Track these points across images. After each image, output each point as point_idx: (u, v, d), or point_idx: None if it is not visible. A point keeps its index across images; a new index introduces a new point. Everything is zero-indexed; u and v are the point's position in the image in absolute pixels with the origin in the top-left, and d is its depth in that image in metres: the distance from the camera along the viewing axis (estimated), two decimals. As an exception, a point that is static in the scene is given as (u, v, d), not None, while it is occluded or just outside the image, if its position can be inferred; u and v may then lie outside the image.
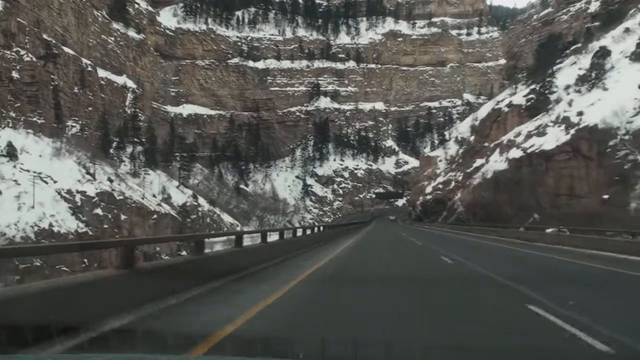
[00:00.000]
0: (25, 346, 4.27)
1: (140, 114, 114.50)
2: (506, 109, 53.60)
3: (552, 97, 45.49)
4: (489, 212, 40.02)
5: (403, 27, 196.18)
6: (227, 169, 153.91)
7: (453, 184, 58.32)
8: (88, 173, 62.80)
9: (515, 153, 40.95)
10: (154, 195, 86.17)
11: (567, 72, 47.13)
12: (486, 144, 54.22)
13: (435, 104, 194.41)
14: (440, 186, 75.71)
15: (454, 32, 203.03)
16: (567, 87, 44.67)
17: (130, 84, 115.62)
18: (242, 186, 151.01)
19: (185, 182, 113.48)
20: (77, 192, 58.86)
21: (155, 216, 71.02)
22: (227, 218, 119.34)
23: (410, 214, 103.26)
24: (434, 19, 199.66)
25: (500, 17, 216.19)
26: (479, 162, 53.76)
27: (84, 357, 3.24)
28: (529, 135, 41.19)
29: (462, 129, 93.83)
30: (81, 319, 5.50)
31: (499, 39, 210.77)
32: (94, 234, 57.50)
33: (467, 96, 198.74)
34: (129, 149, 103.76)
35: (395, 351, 4.95)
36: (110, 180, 64.93)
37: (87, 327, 5.34)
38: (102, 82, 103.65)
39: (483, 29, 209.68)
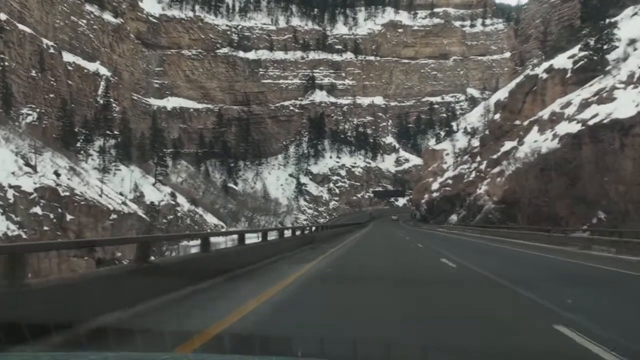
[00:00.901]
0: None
1: (114, 105, 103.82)
2: (545, 75, 42.29)
3: (610, 56, 35.11)
4: (537, 209, 29.55)
5: (404, 17, 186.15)
6: (214, 166, 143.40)
7: (473, 175, 47.52)
8: (28, 164, 52.05)
9: (568, 128, 30.43)
10: (120, 193, 75.46)
11: (629, 24, 36.83)
12: (517, 122, 43.50)
13: (438, 99, 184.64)
14: (450, 181, 65.22)
15: (457, 24, 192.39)
16: (633, 41, 34.26)
17: (104, 71, 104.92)
18: (230, 185, 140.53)
19: (163, 179, 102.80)
20: (10, 186, 48.21)
21: (114, 216, 60.27)
22: (211, 219, 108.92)
23: (413, 214, 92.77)
24: (436, 10, 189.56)
25: (505, 10, 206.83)
26: (508, 145, 43.10)
27: (81, 355, 3.17)
28: (584, 104, 30.68)
29: (472, 119, 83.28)
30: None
31: (504, 31, 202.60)
32: (29, 237, 46.93)
33: (471, 91, 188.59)
34: (100, 142, 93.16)
35: (395, 351, 4.92)
36: (57, 174, 54.14)
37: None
38: (70, 68, 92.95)
39: (488, 21, 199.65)
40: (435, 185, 72.65)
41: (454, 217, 58.74)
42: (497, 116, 48.48)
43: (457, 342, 5.54)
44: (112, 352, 3.39)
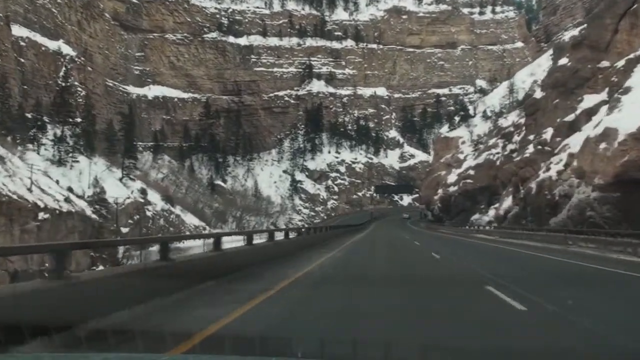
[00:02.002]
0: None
1: (79, 89, 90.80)
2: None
3: None
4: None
5: (408, 3, 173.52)
6: (201, 162, 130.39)
7: (530, 151, 33.68)
8: None
9: None
10: (69, 189, 62.37)
11: None
12: (605, 63, 29.91)
13: (445, 90, 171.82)
14: (471, 172, 52.33)
15: (465, 10, 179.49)
16: None
17: (68, 50, 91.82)
18: (218, 182, 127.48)
19: (138, 174, 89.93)
20: None
21: (45, 216, 47.17)
22: (191, 219, 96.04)
23: (423, 214, 79.69)
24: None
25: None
26: (590, 100, 29.86)
27: (81, 356, 3.22)
28: None
29: (492, 101, 70.14)
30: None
31: (515, 19, 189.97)
32: None
33: (480, 82, 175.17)
34: (59, 130, 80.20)
35: (394, 351, 4.90)
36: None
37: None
38: (22, 43, 79.92)
39: (498, 8, 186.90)
40: (451, 178, 59.74)
41: (483, 218, 45.46)
42: (564, 61, 35.07)
43: None
44: (113, 352, 3.81)
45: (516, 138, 43.50)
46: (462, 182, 54.61)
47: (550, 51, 63.83)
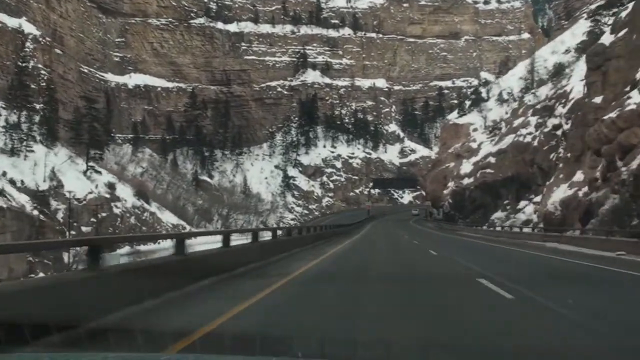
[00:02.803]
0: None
1: (43, 72, 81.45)
2: None
3: None
4: None
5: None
6: (186, 155, 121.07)
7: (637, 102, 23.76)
8: None
9: None
10: (11, 181, 53.00)
11: None
12: None
13: (448, 83, 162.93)
14: (492, 160, 43.05)
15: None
16: None
17: (31, 29, 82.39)
18: (204, 178, 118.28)
19: (102, 166, 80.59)
20: None
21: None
22: (169, 217, 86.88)
23: (428, 212, 70.31)
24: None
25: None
26: None
27: (81, 356, 3.22)
28: None
29: (509, 83, 60.87)
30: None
31: (522, 9, 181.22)
32: None
33: (485, 75, 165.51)
34: (15, 117, 70.82)
35: (394, 352, 4.92)
36: None
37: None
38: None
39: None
40: (465, 168, 50.33)
41: (516, 216, 35.80)
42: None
43: None
44: (112, 352, 3.71)
45: (561, 110, 34.21)
46: (480, 173, 45.39)
47: (575, 26, 54.58)
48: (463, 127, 63.74)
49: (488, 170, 44.20)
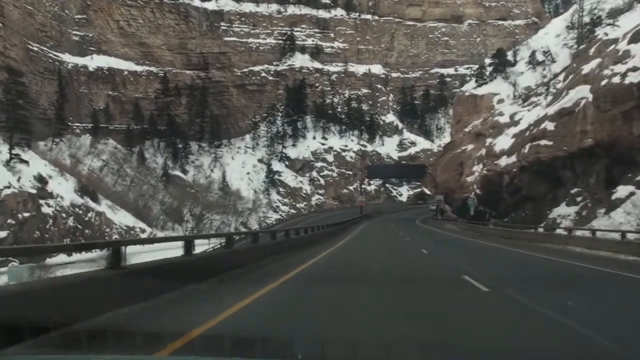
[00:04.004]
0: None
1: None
2: None
3: None
4: None
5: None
6: (156, 148, 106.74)
7: None
8: None
9: None
10: None
11: None
12: None
13: (450, 70, 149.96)
14: (550, 126, 28.75)
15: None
16: None
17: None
18: (176, 172, 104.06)
19: (51, 156, 66.45)
20: None
21: None
22: (123, 218, 72.78)
23: (438, 208, 55.90)
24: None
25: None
26: None
27: (80, 357, 3.22)
28: None
29: (544, 41, 46.86)
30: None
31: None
32: None
33: (490, 62, 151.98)
34: None
35: (394, 352, 4.95)
36: None
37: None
38: None
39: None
40: (502, 143, 36.12)
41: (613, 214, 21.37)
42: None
43: None
44: (110, 354, 3.77)
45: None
46: (529, 148, 31.02)
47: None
48: (484, 98, 49.86)
49: (543, 143, 30.00)
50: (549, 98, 35.23)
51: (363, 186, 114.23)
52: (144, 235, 71.25)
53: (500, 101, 47.61)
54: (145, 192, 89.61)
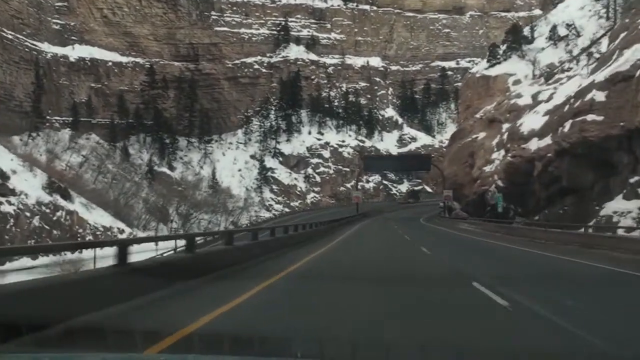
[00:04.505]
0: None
1: None
2: None
3: None
4: None
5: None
6: (142, 143, 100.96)
7: None
8: None
9: None
10: None
11: None
12: None
13: (451, 63, 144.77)
14: (600, 96, 22.77)
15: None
16: None
17: None
18: (163, 169, 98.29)
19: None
20: None
21: None
22: (102, 218, 66.95)
23: (446, 205, 49.81)
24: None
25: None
26: None
27: (79, 356, 3.23)
28: None
29: (563, 17, 41.06)
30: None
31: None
32: None
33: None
34: None
35: (393, 352, 4.88)
36: None
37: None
38: None
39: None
40: (531, 122, 29.91)
41: None
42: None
43: None
44: (111, 352, 3.80)
45: None
46: (569, 127, 24.80)
47: None
48: (497, 80, 44.03)
49: (591, 118, 23.60)
50: (591, 67, 28.99)
51: (361, 184, 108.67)
52: (122, 236, 65.64)
53: (517, 82, 41.76)
54: (128, 190, 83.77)
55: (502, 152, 33.97)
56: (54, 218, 57.04)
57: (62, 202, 59.65)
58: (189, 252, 11.20)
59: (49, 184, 58.96)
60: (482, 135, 40.40)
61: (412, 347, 5.10)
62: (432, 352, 4.87)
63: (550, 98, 31.05)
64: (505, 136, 34.41)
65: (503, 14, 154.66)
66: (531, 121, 30.91)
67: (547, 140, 28.06)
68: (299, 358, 4.33)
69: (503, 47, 52.00)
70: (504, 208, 31.22)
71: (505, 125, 35.66)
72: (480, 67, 55.73)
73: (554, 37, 43.35)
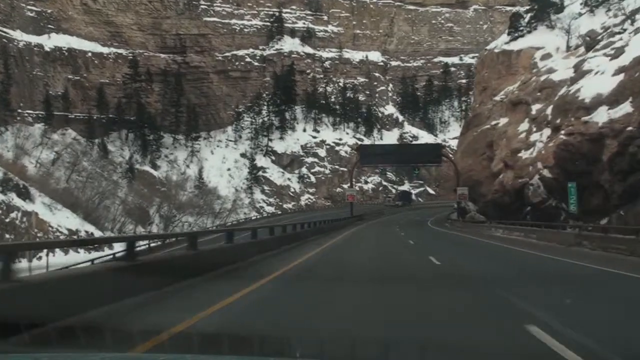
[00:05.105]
0: None
1: None
2: None
3: None
4: None
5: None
6: (123, 140, 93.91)
7: None
8: None
9: None
10: None
11: None
12: None
13: (454, 59, 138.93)
14: None
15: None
16: None
17: None
18: (146, 168, 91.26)
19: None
20: None
21: None
22: (68, 220, 59.91)
23: (460, 207, 42.39)
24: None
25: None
26: None
27: (79, 356, 3.23)
28: None
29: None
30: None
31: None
32: None
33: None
34: None
35: (393, 352, 4.90)
36: None
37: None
38: None
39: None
40: (594, 87, 22.64)
41: None
42: None
43: None
44: (110, 352, 3.77)
45: None
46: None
47: None
48: (521, 55, 37.00)
49: None
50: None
51: (359, 185, 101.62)
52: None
53: (547, 56, 34.88)
54: (104, 189, 76.57)
55: (548, 130, 26.39)
56: (7, 220, 49.94)
57: (18, 201, 52.59)
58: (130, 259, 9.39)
59: (4, 181, 51.85)
60: (503, 121, 33.22)
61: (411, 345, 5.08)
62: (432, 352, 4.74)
63: (621, 51, 23.81)
64: (549, 109, 26.87)
65: (509, 8, 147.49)
66: (595, 84, 23.23)
67: (626, 107, 20.32)
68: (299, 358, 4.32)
69: (527, 17, 44.99)
70: (551, 207, 23.37)
71: (536, 107, 28.57)
72: (499, 41, 48.53)
73: (591, 1, 36.54)
